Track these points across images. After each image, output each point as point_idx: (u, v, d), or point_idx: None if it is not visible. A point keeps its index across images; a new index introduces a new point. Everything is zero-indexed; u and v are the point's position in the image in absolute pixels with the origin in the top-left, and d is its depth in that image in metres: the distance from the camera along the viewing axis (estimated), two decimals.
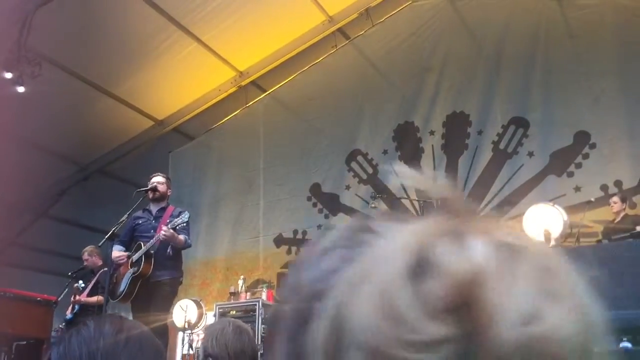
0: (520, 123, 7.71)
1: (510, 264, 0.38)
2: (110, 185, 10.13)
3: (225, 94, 9.77)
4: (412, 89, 8.60)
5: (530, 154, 7.55)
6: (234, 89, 9.71)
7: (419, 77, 8.55)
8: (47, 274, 10.70)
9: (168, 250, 5.08)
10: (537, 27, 7.83)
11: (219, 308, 6.06)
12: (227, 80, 9.57)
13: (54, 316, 6.48)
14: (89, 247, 7.15)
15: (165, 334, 5.03)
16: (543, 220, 6.02)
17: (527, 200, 7.12)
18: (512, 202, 7.47)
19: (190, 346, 6.89)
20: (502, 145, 7.77)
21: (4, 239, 10.62)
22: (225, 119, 10.01)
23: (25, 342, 6.39)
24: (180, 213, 5.18)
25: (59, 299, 6.55)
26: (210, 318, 6.77)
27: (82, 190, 10.26)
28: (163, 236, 4.91)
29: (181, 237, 5.07)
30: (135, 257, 5.07)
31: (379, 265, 0.38)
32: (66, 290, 7.26)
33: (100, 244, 5.04)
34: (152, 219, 5.30)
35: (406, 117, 8.57)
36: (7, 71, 7.33)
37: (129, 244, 5.28)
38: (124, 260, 5.11)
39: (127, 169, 10.05)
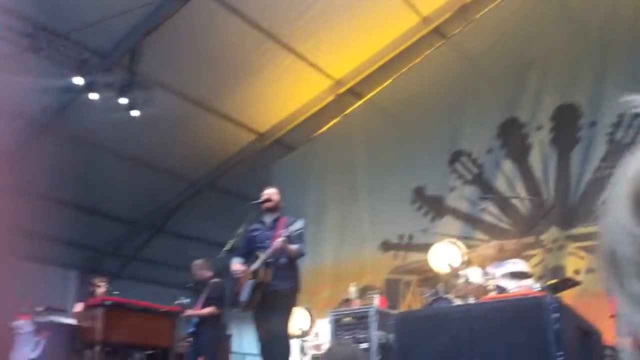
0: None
1: None
2: (219, 199, 10.55)
3: (323, 103, 9.89)
4: (514, 83, 8.29)
5: None
6: (331, 98, 9.82)
7: (522, 71, 8.23)
8: (164, 286, 11.30)
9: (282, 260, 5.16)
10: None
11: (333, 315, 6.11)
12: (324, 89, 9.69)
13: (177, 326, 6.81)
14: (198, 260, 7.43)
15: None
16: None
17: None
18: None
19: (303, 353, 7.01)
20: (618, 136, 7.31)
21: (126, 254, 11.35)
22: (324, 128, 10.13)
23: (152, 352, 6.77)
24: (294, 222, 5.25)
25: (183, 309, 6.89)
26: (324, 325, 6.84)
27: (194, 205, 10.75)
28: (276, 246, 5.00)
29: (294, 246, 5.14)
30: (253, 267, 5.17)
31: None
32: (187, 301, 7.61)
33: (219, 256, 5.22)
34: (266, 229, 5.39)
35: (510, 113, 8.27)
36: (122, 97, 7.82)
37: (248, 255, 5.38)
38: (240, 274, 5.24)
39: (234, 182, 10.43)
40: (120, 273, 11.29)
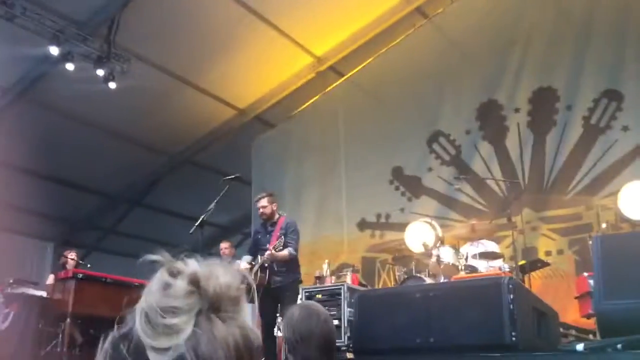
0: (613, 96, 7.28)
1: None
2: (197, 174, 10.52)
3: (304, 80, 9.85)
4: (494, 65, 8.31)
5: (625, 128, 7.13)
6: (312, 75, 9.78)
7: (502, 53, 8.24)
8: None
9: (274, 265, 5.77)
10: None
11: (305, 292, 6.15)
12: (305, 66, 9.64)
13: None
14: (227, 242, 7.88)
15: None
16: None
17: (623, 178, 6.73)
18: (605, 179, 7.09)
19: (278, 328, 7.07)
20: (593, 120, 7.37)
21: (103, 227, 11.32)
22: (305, 105, 10.10)
23: None
24: (287, 225, 5.89)
25: None
26: (297, 301, 6.90)
27: (172, 179, 10.71)
28: (265, 259, 5.64)
29: (283, 253, 5.68)
30: (255, 269, 5.77)
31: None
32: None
33: (191, 231, 5.23)
34: (266, 233, 5.99)
35: (489, 95, 8.29)
36: (99, 68, 7.71)
37: (255, 254, 6.01)
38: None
39: (213, 158, 10.40)
40: (97, 246, 11.27)
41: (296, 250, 5.91)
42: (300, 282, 6.13)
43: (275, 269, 5.78)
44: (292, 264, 5.91)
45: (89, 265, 7.17)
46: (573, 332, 5.60)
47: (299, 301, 6.61)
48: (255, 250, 6.05)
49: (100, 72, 7.72)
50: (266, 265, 5.75)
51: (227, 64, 9.07)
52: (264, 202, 5.99)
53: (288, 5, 8.25)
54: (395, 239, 8.23)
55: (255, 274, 5.75)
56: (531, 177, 7.66)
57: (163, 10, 7.79)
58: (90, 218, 11.16)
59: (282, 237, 5.74)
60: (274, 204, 6.02)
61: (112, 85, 7.83)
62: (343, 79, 9.74)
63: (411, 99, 9.00)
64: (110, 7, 7.48)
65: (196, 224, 5.18)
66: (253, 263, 5.92)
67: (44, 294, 6.43)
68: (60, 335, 5.97)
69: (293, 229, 5.94)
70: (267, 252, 5.64)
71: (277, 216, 6.04)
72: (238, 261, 6.15)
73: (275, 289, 5.74)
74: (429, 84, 8.84)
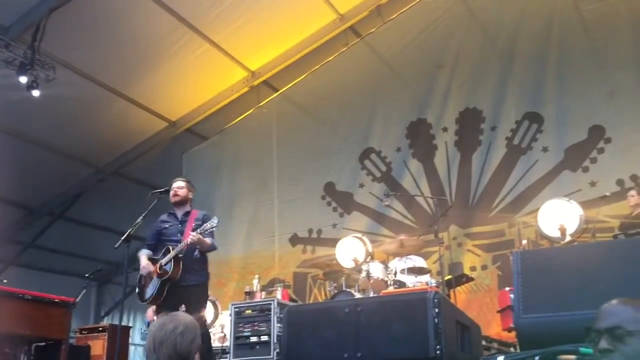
0: (534, 118, 7.65)
1: None
2: (125, 187, 10.23)
3: (237, 94, 9.80)
4: (424, 86, 8.57)
5: (545, 149, 7.50)
6: (246, 89, 9.75)
7: (431, 74, 8.52)
8: (64, 275, 10.84)
9: (195, 254, 5.12)
10: (550, 21, 7.77)
11: (234, 307, 6.08)
12: (239, 80, 9.61)
13: (72, 317, 6.54)
14: None
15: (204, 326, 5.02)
16: (558, 216, 5.98)
17: (542, 196, 7.07)
18: (526, 198, 7.42)
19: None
20: (516, 141, 7.72)
21: (22, 241, 10.77)
22: (238, 119, 10.05)
23: (44, 344, 6.46)
24: (204, 216, 5.24)
25: (77, 300, 6.61)
26: (226, 317, 6.80)
27: (98, 192, 10.36)
28: (191, 240, 4.92)
29: (208, 240, 5.12)
30: (164, 261, 5.07)
31: None
32: (84, 291, 7.34)
33: (116, 245, 5.06)
34: (177, 223, 5.30)
35: (419, 114, 8.54)
36: (22, 75, 7.40)
37: (156, 248, 5.31)
38: (150, 269, 5.10)
39: (142, 171, 10.16)
40: (15, 260, 10.71)
41: (216, 246, 5.35)
42: (208, 285, 5.46)
43: (190, 264, 5.07)
44: (204, 262, 5.28)
45: (5, 281, 6.80)
46: (495, 345, 5.79)
47: (227, 315, 6.49)
48: (157, 243, 5.30)
49: (24, 79, 7.39)
50: (180, 256, 5.02)
51: (159, 76, 8.91)
52: (181, 183, 5.43)
53: (223, 19, 8.21)
54: (327, 254, 8.29)
55: (165, 266, 5.03)
56: (458, 195, 7.92)
57: (92, 18, 7.58)
58: (8, 231, 10.60)
59: (202, 231, 5.03)
60: (190, 192, 5.45)
61: (36, 93, 7.50)
62: (277, 94, 9.78)
63: (344, 116, 9.14)
64: (35, 12, 7.20)
65: (122, 239, 5.01)
66: (155, 257, 5.19)
67: None
68: None
69: (216, 224, 5.14)
70: (193, 233, 4.92)
71: (190, 207, 5.42)
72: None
73: (183, 289, 5.00)
74: (362, 102, 9.01)
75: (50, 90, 7.69)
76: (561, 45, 7.66)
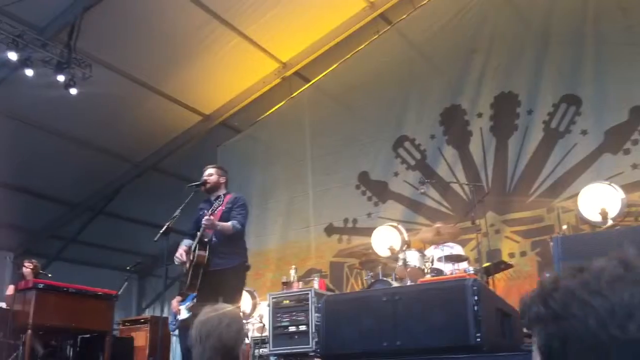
0: (572, 100, 7.47)
1: None
2: (162, 181, 10.40)
3: (269, 86, 9.85)
4: (457, 71, 8.44)
5: (584, 132, 7.31)
6: (277, 81, 9.78)
7: (465, 59, 8.38)
8: (106, 269, 11.10)
9: (214, 239, 5.08)
10: (585, 1, 7.55)
11: (272, 298, 6.13)
12: (270, 72, 9.64)
13: (114, 309, 6.70)
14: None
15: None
16: (599, 200, 5.85)
17: (582, 180, 6.90)
18: (566, 182, 7.26)
19: (245, 336, 7.01)
20: (553, 125, 7.54)
21: (65, 237, 11.06)
22: (271, 110, 10.09)
23: (89, 336, 6.65)
24: (233, 199, 5.23)
25: (119, 292, 6.77)
26: (264, 308, 6.87)
27: (136, 187, 10.55)
28: (204, 224, 4.91)
29: (227, 223, 5.06)
30: (192, 246, 5.09)
31: None
32: (125, 284, 7.51)
33: (155, 238, 5.12)
34: (210, 209, 5.30)
35: (452, 100, 8.42)
36: (59, 74, 7.56)
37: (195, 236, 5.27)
38: (183, 259, 5.14)
39: (178, 165, 10.29)
40: (58, 255, 11.01)
41: (242, 225, 5.20)
42: (248, 268, 5.44)
43: (217, 247, 5.02)
44: (236, 244, 5.21)
45: (49, 275, 7.01)
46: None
47: (265, 306, 6.55)
48: (197, 231, 5.24)
49: (61, 78, 7.55)
50: (205, 239, 4.99)
51: (192, 70, 9.01)
52: (210, 170, 5.44)
53: (253, 11, 8.24)
54: (363, 243, 8.26)
55: (193, 251, 5.02)
56: (494, 181, 7.80)
57: (125, 15, 7.70)
58: (51, 227, 10.90)
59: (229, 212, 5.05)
60: (222, 177, 5.44)
61: (73, 91, 7.67)
62: (308, 84, 9.77)
63: (376, 104, 9.07)
64: (70, 12, 7.36)
65: (160, 232, 5.07)
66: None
67: (3, 305, 6.26)
68: (21, 347, 5.82)
69: (241, 203, 5.27)
70: (205, 217, 4.91)
71: (224, 191, 5.41)
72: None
73: (215, 273, 4.94)
74: (394, 89, 8.93)
75: (87, 88, 7.85)
76: (597, 24, 7.44)
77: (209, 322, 2.44)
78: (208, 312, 2.52)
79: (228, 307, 2.60)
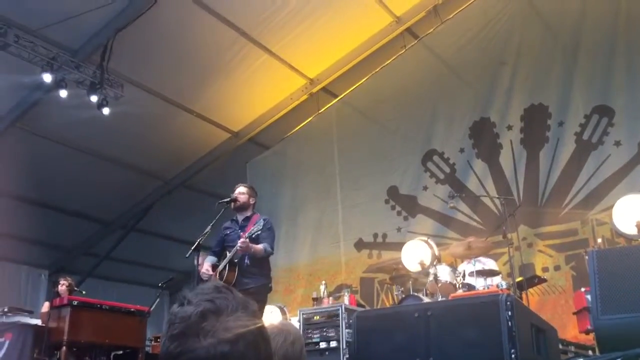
0: (604, 112, 7.34)
1: None
2: (192, 198, 10.50)
3: (297, 102, 9.90)
4: (486, 84, 8.38)
5: (617, 144, 7.18)
6: (305, 97, 9.83)
7: (493, 72, 8.32)
8: (138, 285, 11.24)
9: (245, 260, 5.17)
10: (616, 11, 7.45)
11: (302, 314, 6.12)
12: (298, 88, 9.70)
13: (147, 326, 6.76)
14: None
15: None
16: (635, 212, 5.71)
17: (617, 192, 6.76)
18: (600, 194, 7.12)
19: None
20: (585, 136, 7.42)
21: (98, 254, 11.24)
22: (299, 126, 10.15)
23: (122, 352, 6.71)
24: (265, 221, 5.30)
25: (152, 309, 6.83)
26: (294, 323, 6.85)
27: (167, 204, 10.68)
28: (239, 247, 5.00)
29: (259, 246, 5.15)
30: (221, 266, 5.21)
31: None
32: (157, 300, 7.57)
33: (187, 255, 5.18)
34: (237, 228, 5.41)
35: (481, 113, 8.36)
36: (92, 95, 7.73)
37: (221, 254, 5.42)
38: (210, 273, 5.23)
39: (208, 182, 10.40)
40: (92, 272, 11.18)
41: (272, 248, 5.35)
42: (270, 289, 5.51)
43: (246, 268, 5.14)
44: (264, 266, 5.32)
45: (84, 292, 7.12)
46: (572, 348, 5.57)
47: (295, 321, 6.54)
48: (222, 249, 5.42)
49: (94, 98, 7.72)
50: (235, 260, 5.13)
51: (221, 88, 9.12)
52: (242, 189, 5.51)
53: (280, 28, 8.32)
54: (392, 258, 8.20)
55: (222, 271, 5.15)
56: (526, 194, 7.68)
57: (155, 35, 7.85)
58: (84, 244, 11.10)
59: (250, 234, 5.12)
60: (252, 198, 5.52)
61: (106, 111, 7.83)
62: (336, 99, 9.81)
63: (405, 118, 9.06)
64: (102, 34, 7.53)
65: (192, 248, 5.13)
66: (218, 264, 5.32)
67: (38, 322, 6.37)
68: None
69: (270, 226, 5.38)
70: (241, 240, 4.97)
71: (252, 212, 5.51)
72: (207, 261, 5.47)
73: (240, 292, 5.15)
74: (422, 103, 8.91)
75: (119, 108, 8.01)
76: (629, 34, 7.32)
77: (274, 340, 2.39)
78: (270, 329, 2.48)
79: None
